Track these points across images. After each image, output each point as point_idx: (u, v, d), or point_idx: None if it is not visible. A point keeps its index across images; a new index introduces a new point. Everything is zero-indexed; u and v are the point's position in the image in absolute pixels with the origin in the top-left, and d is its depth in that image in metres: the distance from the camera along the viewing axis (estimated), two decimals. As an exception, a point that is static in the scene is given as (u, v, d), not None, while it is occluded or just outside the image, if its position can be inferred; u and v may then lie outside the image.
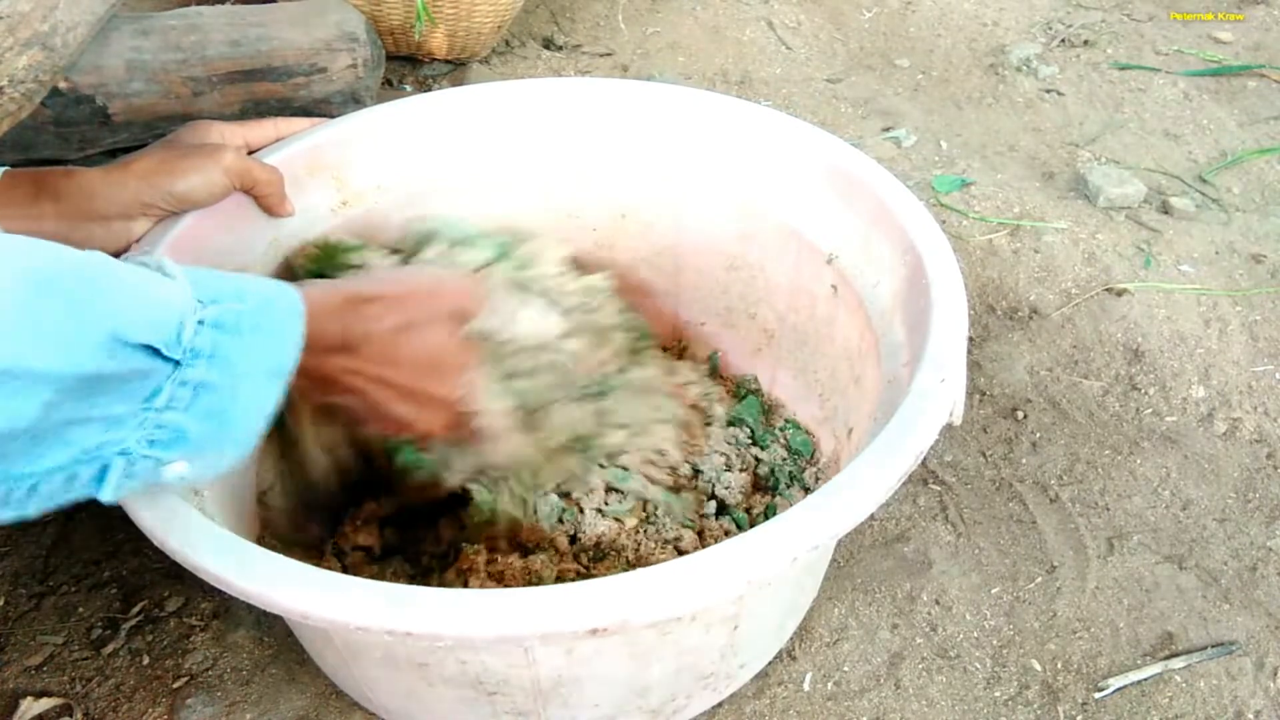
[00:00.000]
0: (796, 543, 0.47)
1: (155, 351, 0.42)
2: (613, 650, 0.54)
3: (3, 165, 0.64)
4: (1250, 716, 0.69)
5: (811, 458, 0.81)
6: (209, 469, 0.47)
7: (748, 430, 0.82)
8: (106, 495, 0.44)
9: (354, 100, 1.05)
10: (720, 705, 0.68)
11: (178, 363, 0.43)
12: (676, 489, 0.75)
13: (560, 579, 0.67)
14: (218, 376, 0.44)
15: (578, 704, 0.58)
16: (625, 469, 0.73)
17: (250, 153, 0.73)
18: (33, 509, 0.42)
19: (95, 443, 0.42)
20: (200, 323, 0.44)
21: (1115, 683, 0.71)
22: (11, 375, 0.37)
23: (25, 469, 0.40)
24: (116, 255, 0.62)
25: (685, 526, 0.72)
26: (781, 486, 0.78)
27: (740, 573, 0.46)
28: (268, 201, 0.71)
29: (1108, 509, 0.83)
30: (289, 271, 0.73)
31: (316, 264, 0.71)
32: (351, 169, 0.79)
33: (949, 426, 0.55)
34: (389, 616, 0.44)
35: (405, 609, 0.44)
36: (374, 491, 0.73)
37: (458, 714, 0.60)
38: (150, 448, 0.44)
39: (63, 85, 0.88)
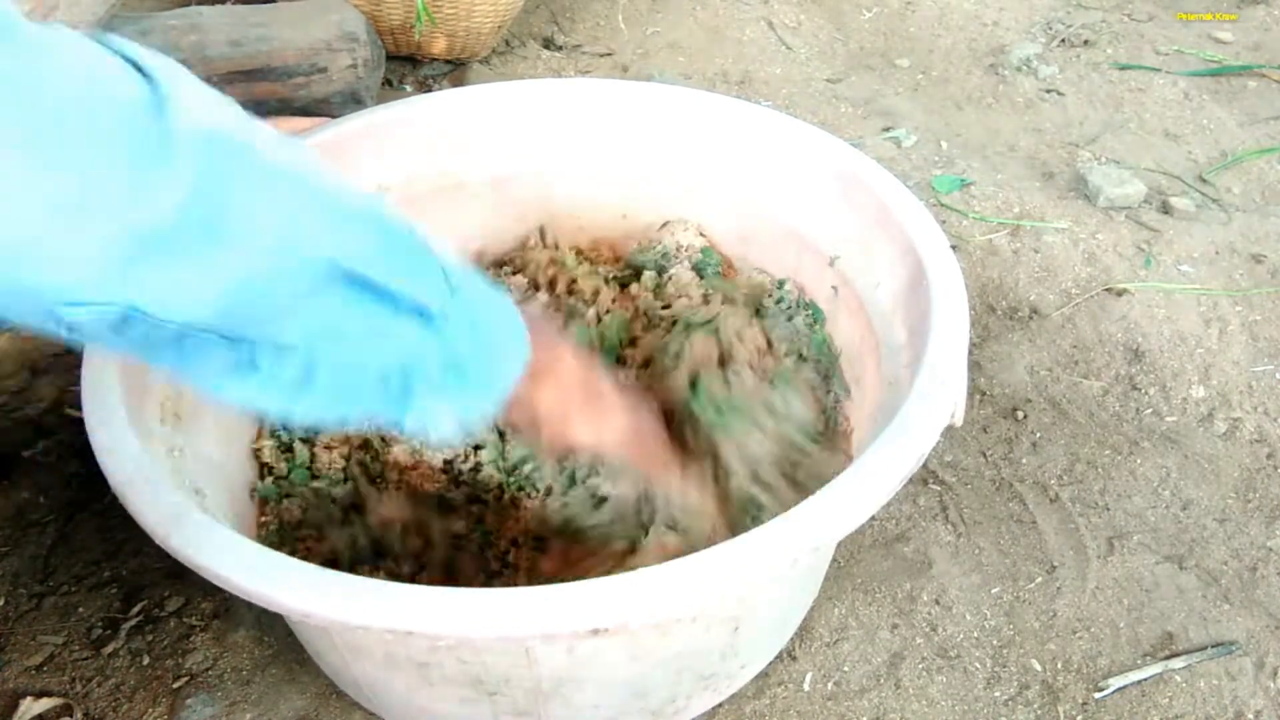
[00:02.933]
0: (797, 544, 0.47)
1: (431, 252, 0.46)
2: (613, 650, 0.54)
3: None
4: (1250, 716, 0.69)
5: None
6: (469, 416, 0.49)
7: None
8: (406, 418, 0.46)
9: (354, 100, 1.05)
10: (720, 705, 0.68)
11: (454, 291, 0.46)
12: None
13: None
14: (485, 322, 0.48)
15: (578, 704, 0.58)
16: None
17: None
18: (354, 412, 0.45)
19: (406, 348, 0.45)
20: (458, 271, 0.47)
21: (1115, 683, 0.71)
22: (355, 209, 0.42)
23: (355, 353, 0.43)
24: None
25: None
26: None
27: (741, 574, 0.46)
28: None
29: (1108, 509, 0.83)
30: None
31: None
32: (351, 169, 0.78)
33: (950, 428, 0.55)
34: (390, 615, 0.44)
35: (406, 608, 0.44)
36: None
37: (458, 714, 0.60)
38: (443, 373, 0.46)
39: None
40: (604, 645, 0.53)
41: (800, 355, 0.78)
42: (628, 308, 0.82)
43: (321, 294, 0.40)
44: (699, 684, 0.62)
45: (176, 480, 0.55)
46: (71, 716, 0.67)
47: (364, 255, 0.41)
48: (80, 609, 0.74)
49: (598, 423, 0.59)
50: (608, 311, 0.81)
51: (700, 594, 0.45)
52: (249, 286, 0.38)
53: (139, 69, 0.35)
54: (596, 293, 0.82)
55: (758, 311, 0.81)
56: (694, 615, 0.53)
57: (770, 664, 0.70)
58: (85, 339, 0.38)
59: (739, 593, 0.46)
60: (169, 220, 0.34)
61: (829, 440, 0.73)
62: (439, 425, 0.48)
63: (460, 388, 0.47)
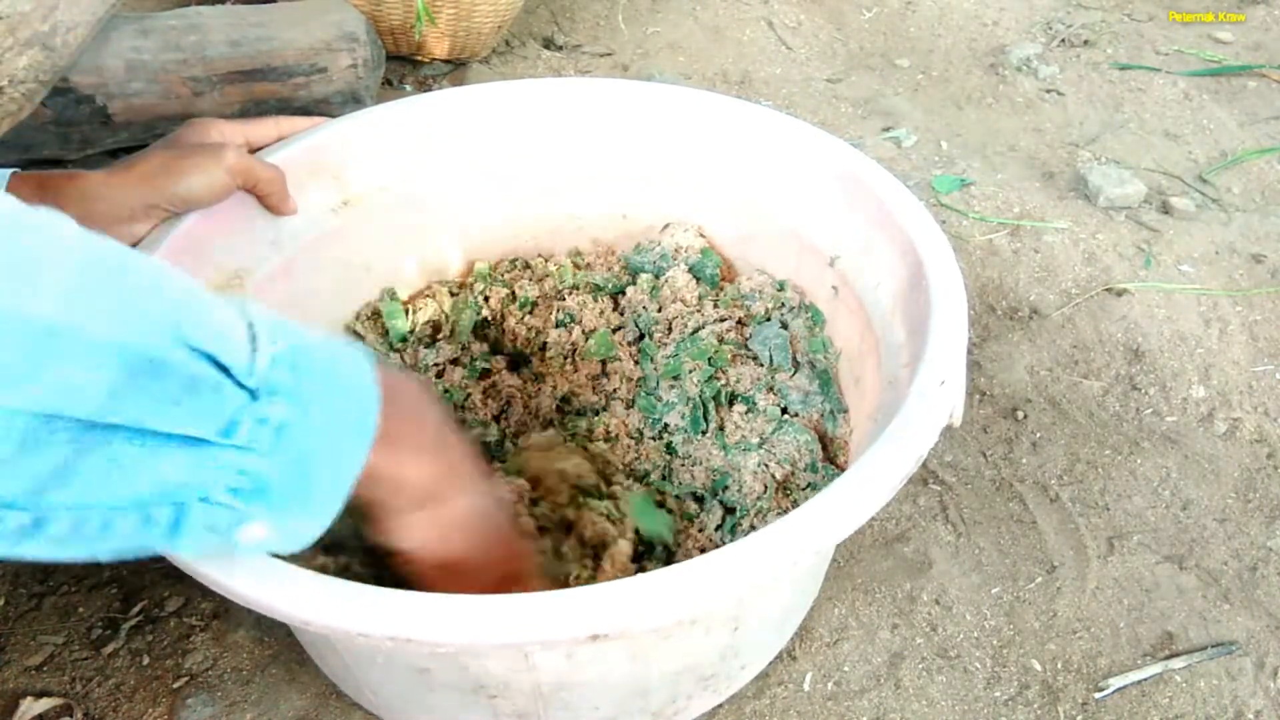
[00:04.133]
0: (798, 547, 0.47)
1: (225, 370, 0.38)
2: (613, 654, 0.54)
3: (11, 168, 0.64)
4: (1250, 716, 0.69)
5: None
6: (288, 538, 0.43)
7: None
8: (183, 546, 0.40)
9: (354, 100, 1.05)
10: (720, 705, 0.68)
11: (253, 394, 0.39)
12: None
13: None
14: (299, 420, 0.40)
15: (579, 706, 0.58)
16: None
17: (252, 151, 0.73)
18: (104, 550, 0.39)
19: (173, 479, 0.38)
20: (273, 358, 0.40)
21: (1115, 683, 0.71)
22: (70, 339, 0.33)
23: (100, 496, 0.37)
24: None
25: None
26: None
27: (742, 577, 0.45)
28: (270, 200, 0.71)
29: (1108, 509, 0.83)
30: None
31: None
32: (352, 169, 0.79)
33: (949, 428, 0.55)
34: (390, 623, 0.43)
35: (406, 615, 0.44)
36: None
37: (459, 717, 0.59)
38: (232, 496, 0.40)
39: (63, 85, 0.88)
40: (604, 649, 0.53)
41: (795, 361, 0.78)
42: (612, 321, 0.83)
43: (41, 445, 0.34)
44: (699, 685, 0.62)
45: None
46: (71, 716, 0.67)
47: (95, 398, 0.34)
48: (80, 609, 0.74)
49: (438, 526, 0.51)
50: (594, 330, 0.82)
51: (701, 598, 0.45)
52: None
53: None
54: (582, 308, 0.83)
55: (741, 323, 0.81)
56: (695, 619, 0.53)
57: (770, 664, 0.70)
58: None
59: (740, 596, 0.46)
60: None
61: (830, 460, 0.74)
62: (244, 541, 0.42)
63: (265, 506, 0.41)
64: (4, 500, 0.35)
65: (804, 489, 0.72)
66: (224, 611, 0.73)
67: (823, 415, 0.76)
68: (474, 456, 0.54)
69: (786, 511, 0.56)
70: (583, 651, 0.52)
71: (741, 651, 0.63)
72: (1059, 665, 0.72)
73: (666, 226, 0.87)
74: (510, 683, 0.54)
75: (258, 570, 0.46)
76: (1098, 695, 0.70)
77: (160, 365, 0.36)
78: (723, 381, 0.78)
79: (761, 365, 0.79)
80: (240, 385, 0.39)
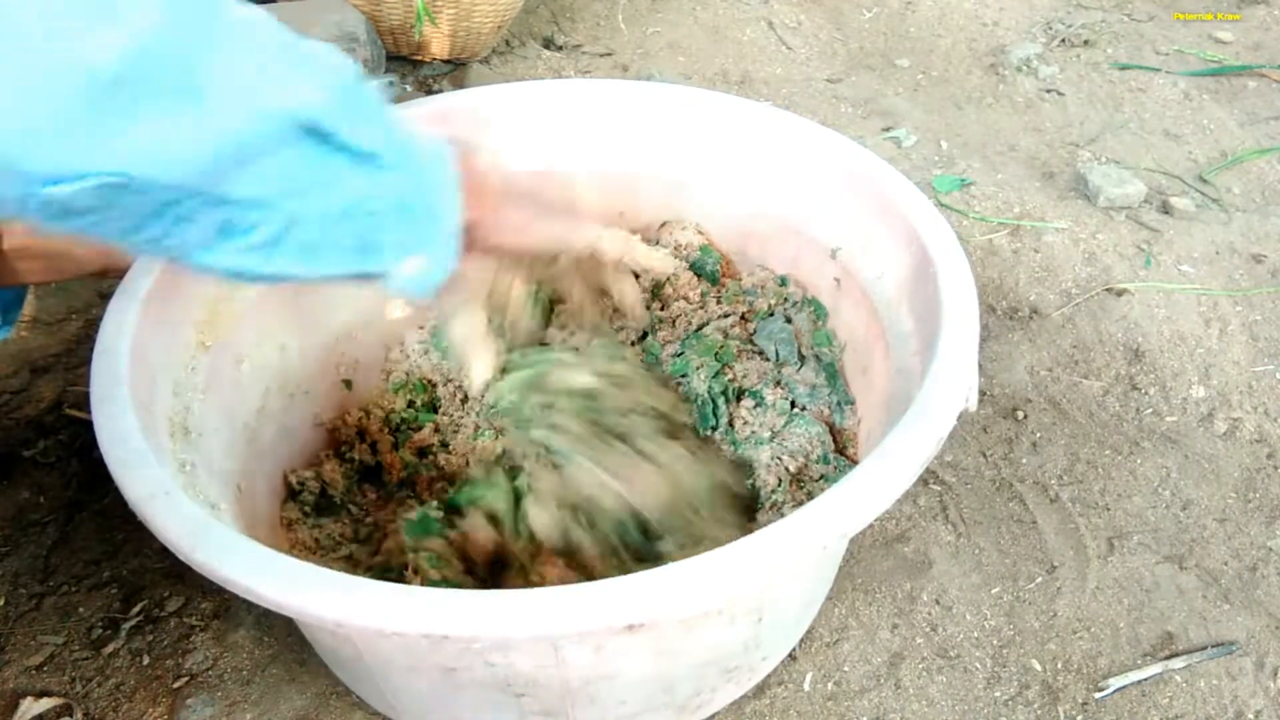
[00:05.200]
0: (826, 531, 0.47)
1: (378, 99, 0.46)
2: (640, 647, 0.54)
3: None
4: (1250, 716, 0.69)
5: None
6: (432, 268, 0.50)
7: None
8: (375, 266, 0.47)
9: (354, 100, 1.05)
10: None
11: (390, 132, 0.46)
12: None
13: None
14: (419, 157, 0.48)
15: (605, 701, 0.58)
16: None
17: None
18: (328, 265, 0.45)
19: (363, 190, 0.45)
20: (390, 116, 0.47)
21: (1115, 683, 0.71)
22: (306, 50, 0.42)
23: (324, 202, 0.43)
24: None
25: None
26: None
27: (771, 564, 0.46)
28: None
29: (1108, 509, 0.83)
30: None
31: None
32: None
33: (964, 413, 0.55)
34: (423, 620, 0.43)
35: (439, 612, 0.44)
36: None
37: (485, 717, 0.59)
38: (398, 216, 0.46)
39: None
40: (631, 642, 0.53)
41: (800, 355, 0.78)
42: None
43: (284, 148, 0.41)
44: (723, 676, 0.62)
45: (192, 494, 0.55)
46: (71, 716, 0.67)
47: (321, 106, 0.41)
48: (80, 609, 0.74)
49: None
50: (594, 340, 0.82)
51: (731, 586, 0.45)
52: (222, 141, 0.38)
53: None
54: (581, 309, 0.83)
55: (744, 319, 0.81)
56: (723, 608, 0.53)
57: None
58: (73, 224, 0.37)
59: (768, 582, 0.46)
60: (134, 68, 0.34)
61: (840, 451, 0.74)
62: (408, 273, 0.49)
63: (416, 233, 0.49)
64: (263, 200, 0.41)
65: (817, 480, 0.72)
66: (224, 611, 0.73)
67: (830, 408, 0.76)
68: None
69: (802, 503, 0.56)
70: (612, 645, 0.52)
71: (764, 642, 0.63)
72: (1059, 665, 0.72)
73: (664, 224, 0.87)
74: (538, 679, 0.54)
75: (285, 574, 0.46)
76: (1098, 695, 0.70)
77: (354, 92, 0.44)
78: (730, 377, 0.78)
79: (767, 360, 0.79)
80: (388, 116, 0.46)
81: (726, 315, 0.81)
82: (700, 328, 0.80)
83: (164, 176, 0.37)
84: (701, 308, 0.82)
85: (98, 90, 0.33)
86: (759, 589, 0.49)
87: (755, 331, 0.80)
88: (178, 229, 0.40)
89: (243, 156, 0.39)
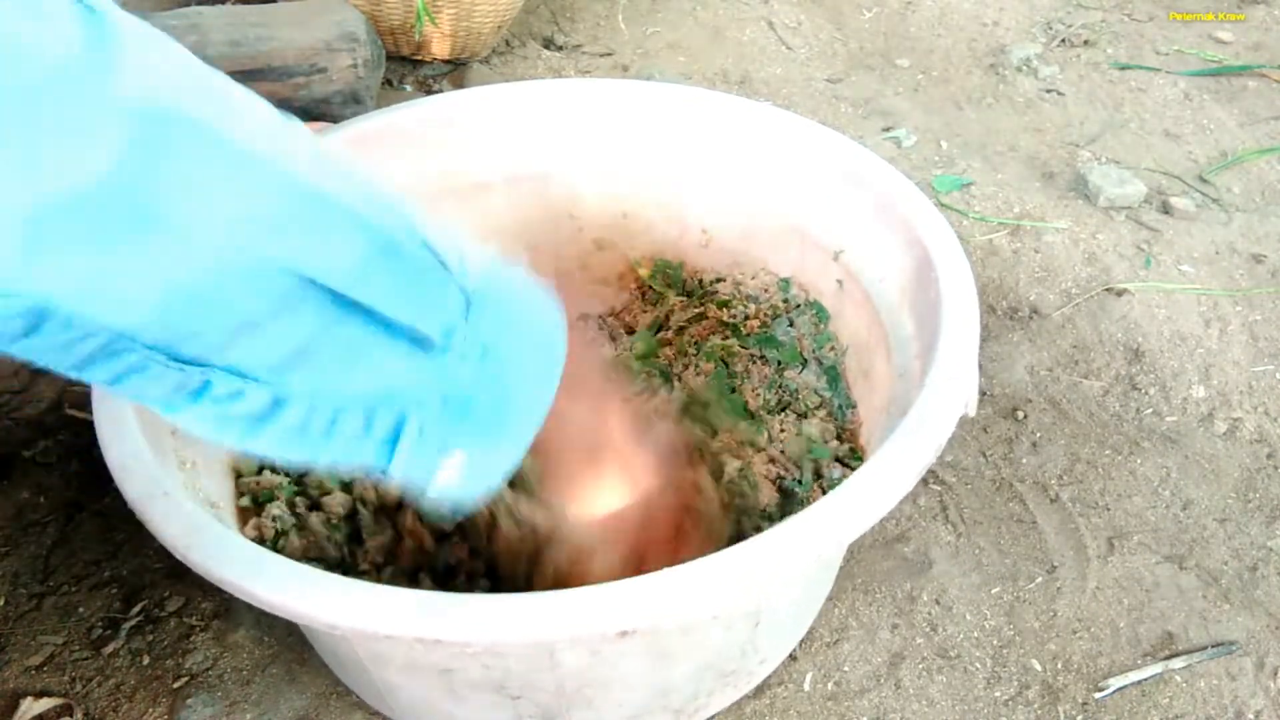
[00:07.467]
0: (823, 538, 0.47)
1: (448, 271, 0.38)
2: (637, 650, 0.54)
3: None
4: (1250, 716, 0.69)
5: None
6: (480, 472, 0.42)
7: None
8: (396, 465, 0.39)
9: (354, 100, 1.05)
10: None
11: (468, 303, 0.38)
12: None
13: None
14: (501, 340, 0.40)
15: (601, 706, 0.57)
16: None
17: None
18: (325, 455, 0.38)
19: (397, 379, 0.38)
20: (484, 272, 0.39)
21: (1115, 683, 0.71)
22: (326, 202, 0.34)
23: (334, 384, 0.37)
24: None
25: None
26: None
27: (769, 570, 0.45)
28: None
29: (1108, 509, 0.83)
30: None
31: None
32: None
33: (963, 417, 0.55)
34: (417, 624, 0.43)
35: (433, 616, 0.43)
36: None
37: (483, 718, 0.59)
38: (442, 408, 0.39)
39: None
40: (628, 646, 0.53)
41: (802, 359, 0.78)
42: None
43: (293, 310, 0.34)
44: (720, 680, 0.62)
45: (190, 493, 0.55)
46: (71, 716, 0.67)
47: (347, 269, 0.35)
48: (80, 609, 0.74)
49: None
50: (633, 330, 0.82)
51: (728, 592, 0.45)
52: (195, 290, 0.32)
53: (91, 10, 0.30)
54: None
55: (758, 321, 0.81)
56: (719, 613, 0.53)
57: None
58: (11, 347, 0.31)
59: (766, 589, 0.46)
60: (87, 193, 0.29)
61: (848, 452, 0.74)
62: (441, 478, 0.41)
63: (467, 431, 0.40)
64: (250, 372, 0.35)
65: (817, 485, 0.72)
66: (224, 611, 0.73)
67: (832, 411, 0.76)
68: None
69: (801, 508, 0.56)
70: (607, 649, 0.52)
71: (761, 646, 0.63)
72: (1059, 665, 0.72)
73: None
74: (533, 682, 0.54)
75: (280, 576, 0.46)
76: (1098, 695, 0.70)
77: (398, 250, 0.36)
78: (734, 380, 0.78)
79: (770, 364, 0.79)
80: (461, 289, 0.39)
81: (730, 319, 0.81)
82: (706, 333, 0.81)
83: (104, 318, 0.31)
84: (701, 314, 0.82)
85: (41, 213, 0.29)
86: (755, 595, 0.48)
87: (758, 335, 0.80)
88: (131, 378, 0.34)
89: (220, 313, 0.33)
